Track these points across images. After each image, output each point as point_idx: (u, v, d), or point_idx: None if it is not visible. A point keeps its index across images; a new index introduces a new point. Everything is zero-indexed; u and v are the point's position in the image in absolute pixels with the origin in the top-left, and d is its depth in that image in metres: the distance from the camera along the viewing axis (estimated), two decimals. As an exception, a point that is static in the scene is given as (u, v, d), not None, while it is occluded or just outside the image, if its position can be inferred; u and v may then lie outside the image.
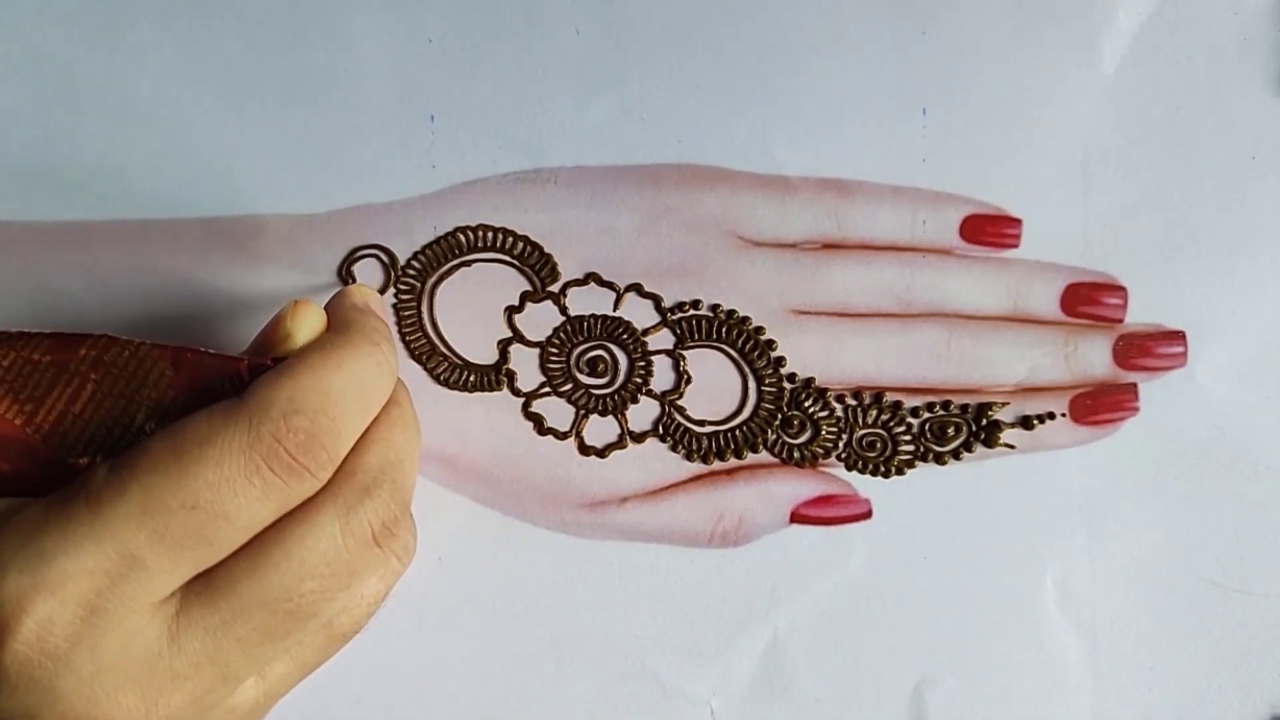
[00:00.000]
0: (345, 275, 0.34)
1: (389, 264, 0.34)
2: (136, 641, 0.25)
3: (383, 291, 0.34)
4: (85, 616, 0.24)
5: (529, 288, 0.34)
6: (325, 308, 0.30)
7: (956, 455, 0.35)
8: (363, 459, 0.27)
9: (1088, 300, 0.34)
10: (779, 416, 0.35)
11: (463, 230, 0.34)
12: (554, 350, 0.35)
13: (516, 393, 0.35)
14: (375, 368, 0.28)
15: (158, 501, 0.25)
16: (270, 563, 0.26)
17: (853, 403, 0.34)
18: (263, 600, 0.26)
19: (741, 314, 0.34)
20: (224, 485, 0.25)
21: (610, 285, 0.34)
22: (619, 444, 0.35)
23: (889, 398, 0.35)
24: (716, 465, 0.35)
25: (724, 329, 0.34)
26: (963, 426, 0.35)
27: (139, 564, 0.24)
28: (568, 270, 0.34)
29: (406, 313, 0.34)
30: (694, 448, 0.35)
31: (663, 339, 0.35)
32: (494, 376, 0.34)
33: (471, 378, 0.34)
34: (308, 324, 0.29)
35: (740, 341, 0.34)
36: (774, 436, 0.35)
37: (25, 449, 0.26)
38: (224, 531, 0.25)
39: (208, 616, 0.25)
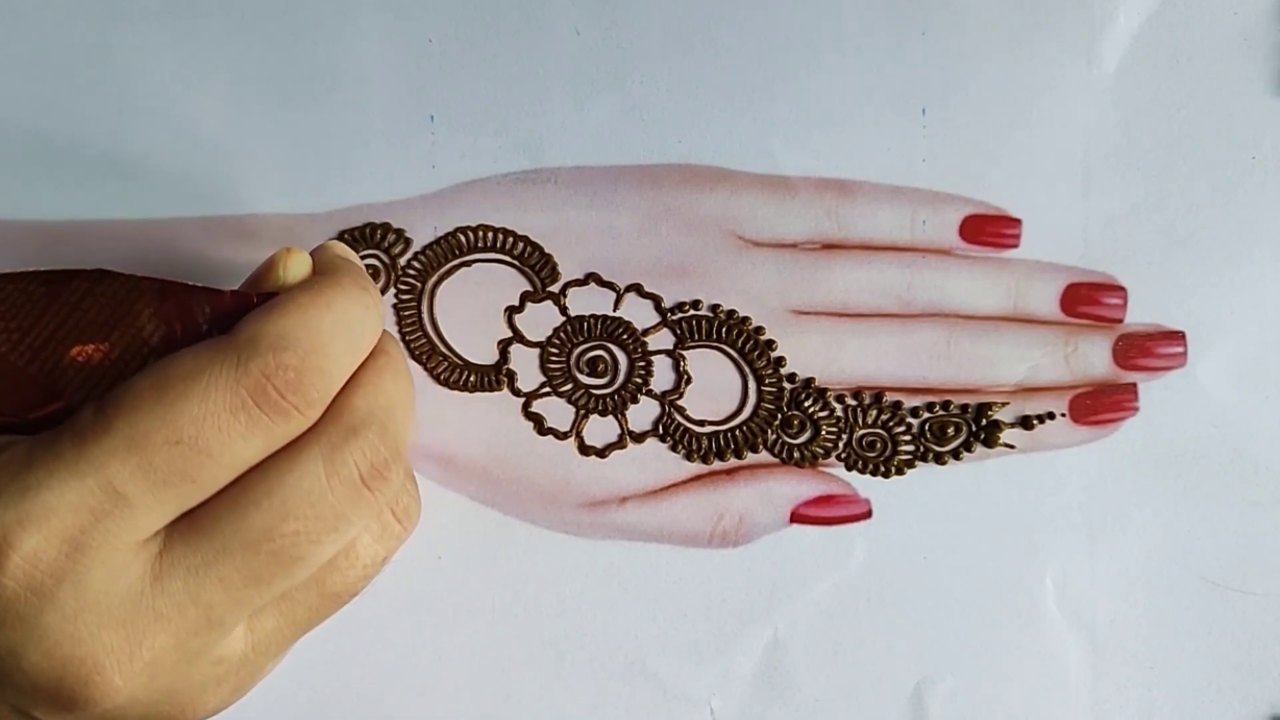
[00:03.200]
0: None
1: (389, 264, 0.34)
2: (120, 579, 0.25)
3: (383, 292, 0.34)
4: (70, 552, 0.24)
5: (529, 288, 0.35)
6: (310, 254, 0.30)
7: (956, 455, 0.35)
8: (350, 400, 0.27)
9: (1088, 300, 0.34)
10: (779, 416, 0.35)
11: (463, 230, 0.34)
12: (554, 350, 0.35)
13: (516, 393, 0.35)
14: (363, 309, 0.28)
15: (142, 436, 0.24)
16: (251, 500, 0.25)
17: (853, 403, 0.35)
18: (244, 539, 0.25)
19: (741, 314, 0.34)
20: (209, 420, 0.25)
21: (610, 285, 0.34)
22: (619, 444, 0.35)
23: (889, 398, 0.35)
24: (716, 465, 0.35)
25: (724, 329, 0.34)
26: (963, 426, 0.35)
27: (123, 500, 0.24)
28: (568, 270, 0.34)
29: (406, 313, 0.34)
30: (694, 448, 0.35)
31: (663, 339, 0.35)
32: (494, 376, 0.34)
33: (471, 378, 0.34)
34: (297, 270, 0.29)
35: (740, 341, 0.34)
36: (774, 436, 0.35)
37: (13, 376, 0.26)
38: (208, 468, 0.25)
39: (190, 555, 0.25)
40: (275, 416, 0.25)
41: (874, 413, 0.35)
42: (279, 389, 0.25)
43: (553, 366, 0.35)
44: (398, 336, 0.34)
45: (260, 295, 0.27)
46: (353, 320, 0.27)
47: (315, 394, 0.26)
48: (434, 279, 0.34)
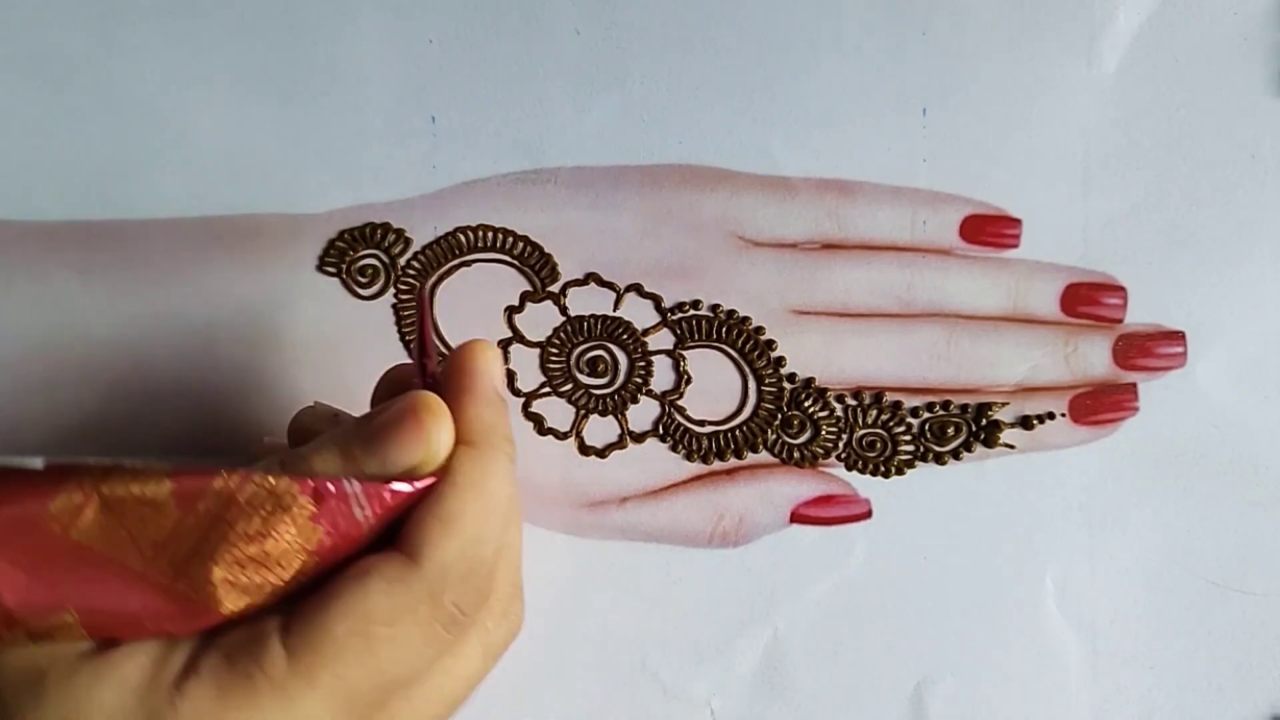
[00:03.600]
0: (322, 266, 0.34)
1: (389, 264, 0.34)
2: None
3: (383, 292, 0.34)
4: None
5: (529, 288, 0.35)
6: (448, 391, 0.27)
7: (956, 455, 0.35)
8: (498, 585, 0.27)
9: (1088, 300, 0.34)
10: (779, 416, 0.35)
11: (463, 230, 0.34)
12: (554, 350, 0.35)
13: (517, 393, 0.35)
14: (513, 486, 0.27)
15: (350, 690, 0.24)
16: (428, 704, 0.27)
17: (853, 403, 0.35)
18: None
19: (741, 314, 0.34)
20: (408, 658, 0.25)
21: (610, 285, 0.34)
22: (619, 444, 0.35)
23: (889, 398, 0.35)
24: (716, 465, 0.35)
25: (724, 329, 0.34)
26: (963, 426, 0.35)
27: None
28: (568, 270, 0.34)
29: (407, 313, 0.34)
30: (694, 448, 0.35)
31: (663, 339, 0.35)
32: (494, 376, 0.34)
33: (471, 378, 0.34)
34: (448, 442, 0.26)
35: (740, 341, 0.34)
36: (774, 436, 0.35)
37: (156, 593, 0.24)
38: (398, 691, 0.25)
39: None
40: (457, 632, 0.26)
41: (874, 413, 0.35)
42: (466, 611, 0.26)
43: (553, 366, 0.35)
44: (397, 336, 0.34)
45: (418, 482, 0.25)
46: (506, 498, 0.27)
47: (486, 599, 0.27)
48: (434, 279, 0.34)
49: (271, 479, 0.24)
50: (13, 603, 0.23)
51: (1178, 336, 0.34)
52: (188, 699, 0.24)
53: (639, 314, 0.35)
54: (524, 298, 0.34)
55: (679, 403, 0.35)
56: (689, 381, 0.35)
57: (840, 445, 0.35)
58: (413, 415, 0.26)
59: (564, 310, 0.35)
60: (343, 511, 0.25)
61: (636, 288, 0.34)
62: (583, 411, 0.35)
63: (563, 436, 0.35)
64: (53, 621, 0.23)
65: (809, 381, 0.35)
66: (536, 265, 0.34)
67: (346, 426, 0.27)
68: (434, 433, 0.26)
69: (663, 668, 0.35)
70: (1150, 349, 0.34)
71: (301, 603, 0.25)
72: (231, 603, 0.24)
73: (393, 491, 0.25)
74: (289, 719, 0.24)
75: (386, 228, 0.34)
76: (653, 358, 0.35)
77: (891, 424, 0.35)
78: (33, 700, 0.24)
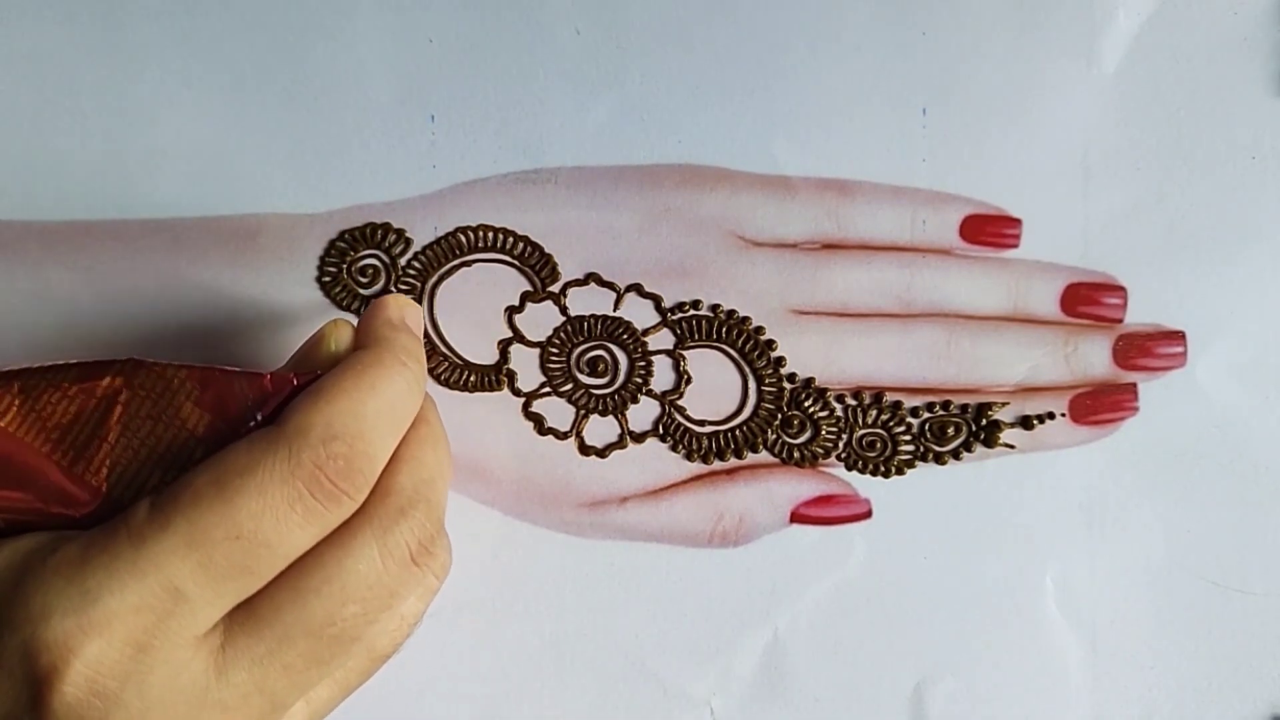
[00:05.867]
0: (323, 265, 0.34)
1: (389, 264, 0.34)
2: (183, 676, 0.25)
3: (383, 292, 0.34)
4: (133, 654, 0.24)
5: (529, 288, 0.35)
6: (360, 320, 0.30)
7: (956, 455, 0.35)
8: (396, 479, 0.27)
9: (1088, 300, 0.34)
10: (779, 416, 0.35)
11: (463, 230, 0.34)
12: (554, 350, 0.35)
13: (517, 393, 0.35)
14: (406, 387, 0.28)
15: (202, 534, 0.25)
16: (312, 589, 0.26)
17: (853, 403, 0.35)
18: (307, 627, 0.26)
19: (741, 314, 0.34)
20: (267, 514, 0.25)
21: (610, 285, 0.34)
22: (619, 444, 0.35)
23: (889, 398, 0.35)
24: (716, 465, 0.35)
25: (724, 329, 0.34)
26: (963, 426, 0.35)
27: (183, 598, 0.24)
28: (568, 270, 0.34)
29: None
30: (694, 448, 0.35)
31: (663, 339, 0.35)
32: (494, 376, 0.34)
33: (472, 378, 0.34)
34: (343, 341, 0.29)
35: (740, 341, 0.34)
36: (774, 436, 0.35)
37: (55, 476, 0.26)
38: (266, 560, 0.25)
39: (253, 646, 0.25)
40: (329, 504, 0.26)
41: (874, 413, 0.35)
42: (331, 478, 0.26)
43: (553, 366, 0.35)
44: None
45: (299, 375, 0.28)
46: (396, 400, 0.28)
47: (363, 479, 0.26)
48: (434, 279, 0.34)
49: (160, 365, 0.27)
50: None
51: (1178, 336, 0.34)
52: (57, 555, 0.25)
53: (639, 314, 0.35)
54: (524, 298, 0.34)
55: (679, 403, 0.35)
56: (689, 381, 0.35)
57: (840, 445, 0.35)
58: (320, 329, 0.29)
59: (564, 310, 0.35)
60: (228, 395, 0.27)
61: (636, 288, 0.34)
62: (583, 411, 0.35)
63: (563, 436, 0.35)
64: None
65: (809, 381, 0.35)
66: (536, 265, 0.34)
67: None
68: (331, 335, 0.29)
69: (663, 668, 0.35)
70: (1150, 349, 0.34)
71: None
72: (118, 485, 0.26)
73: (273, 375, 0.27)
74: (141, 561, 0.24)
75: (386, 228, 0.34)
76: (653, 358, 0.35)
77: (891, 424, 0.35)
78: None
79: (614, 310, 0.35)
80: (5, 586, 0.25)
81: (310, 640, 0.26)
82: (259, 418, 0.27)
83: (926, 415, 0.35)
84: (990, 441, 0.34)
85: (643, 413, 0.35)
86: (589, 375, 0.35)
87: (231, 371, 0.27)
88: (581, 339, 0.35)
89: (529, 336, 0.35)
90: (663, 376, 0.35)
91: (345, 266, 0.34)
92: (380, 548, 0.27)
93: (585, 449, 0.35)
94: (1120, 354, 0.35)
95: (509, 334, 0.35)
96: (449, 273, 0.34)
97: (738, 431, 0.35)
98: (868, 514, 0.35)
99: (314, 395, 0.27)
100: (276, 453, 0.25)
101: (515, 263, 0.34)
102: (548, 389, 0.35)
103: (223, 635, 0.25)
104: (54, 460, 0.26)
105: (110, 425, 0.26)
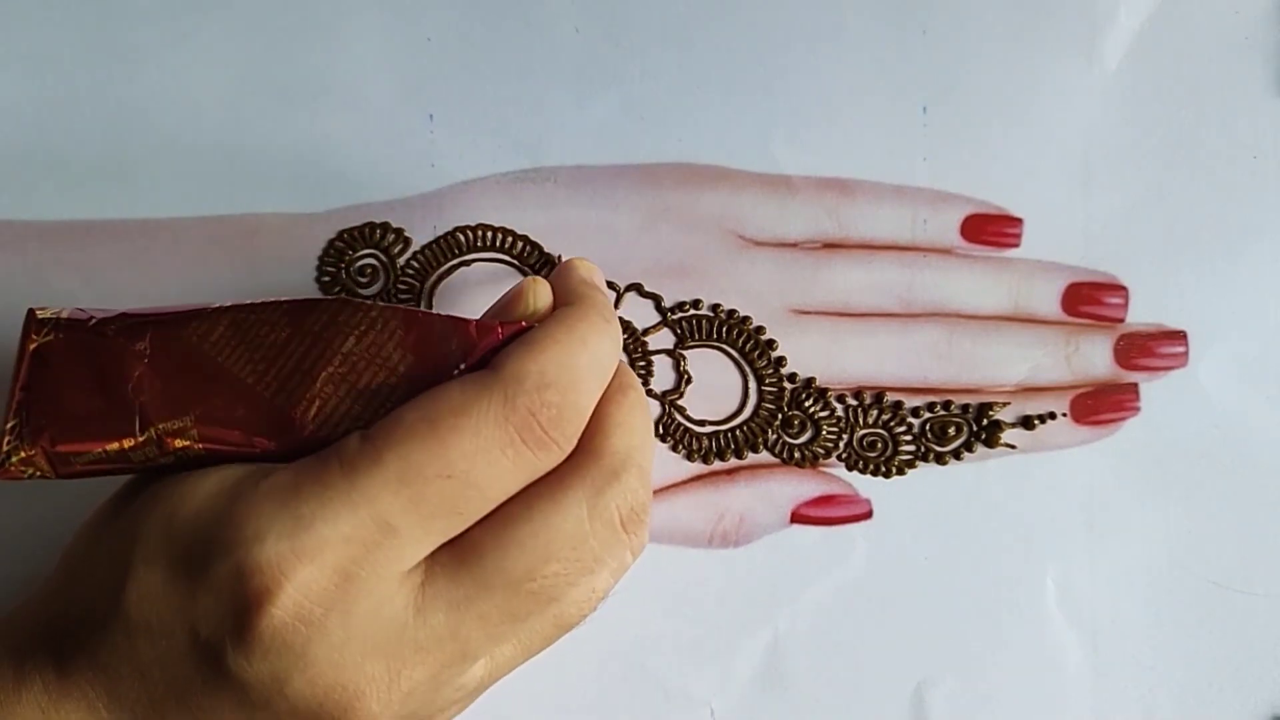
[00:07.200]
0: (322, 265, 0.34)
1: (388, 263, 0.34)
2: (385, 610, 0.25)
3: (383, 292, 0.34)
4: (340, 583, 0.24)
5: (529, 287, 0.34)
6: (551, 279, 0.30)
7: (957, 455, 0.35)
8: (609, 441, 0.27)
9: (1089, 300, 0.34)
10: (779, 416, 0.35)
11: (462, 230, 0.34)
12: (554, 350, 0.35)
13: (516, 392, 0.34)
14: (611, 343, 0.28)
15: (415, 470, 0.25)
16: (516, 540, 0.26)
17: (853, 403, 0.34)
18: (507, 577, 0.26)
19: (742, 314, 0.34)
20: (479, 455, 0.25)
21: (610, 285, 0.34)
22: (619, 444, 0.35)
23: (889, 398, 0.34)
24: (717, 465, 0.35)
25: (724, 329, 0.34)
26: (963, 426, 0.35)
27: (393, 531, 0.24)
28: (568, 270, 0.34)
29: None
30: (694, 448, 0.35)
31: (663, 339, 0.35)
32: (494, 376, 0.34)
33: (471, 377, 0.34)
34: (544, 300, 0.29)
35: (740, 341, 0.34)
36: (774, 436, 0.35)
37: (261, 407, 0.26)
38: (474, 501, 0.25)
39: (452, 590, 0.25)
40: (539, 451, 0.26)
41: (874, 413, 0.34)
42: (544, 424, 0.26)
43: (553, 366, 0.34)
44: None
45: (505, 325, 0.27)
46: (603, 356, 0.27)
47: (573, 429, 0.26)
48: (433, 279, 0.34)
49: (367, 304, 0.27)
50: (150, 405, 0.26)
51: (1179, 336, 0.34)
52: (269, 480, 0.25)
53: (639, 313, 0.35)
54: (524, 297, 0.34)
55: (679, 402, 0.35)
56: (689, 381, 0.35)
57: (841, 445, 0.35)
58: (518, 285, 0.29)
59: (564, 310, 0.34)
60: (430, 337, 0.27)
61: (636, 287, 0.34)
62: (582, 411, 0.35)
63: (563, 436, 0.35)
64: (174, 425, 0.26)
65: (809, 381, 0.35)
66: (536, 264, 0.34)
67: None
68: (531, 290, 0.29)
69: (663, 668, 0.35)
70: (1152, 349, 0.34)
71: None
72: (321, 419, 0.26)
73: (478, 324, 0.27)
74: (354, 493, 0.24)
75: (386, 227, 0.34)
76: (653, 357, 0.35)
77: (892, 424, 0.34)
78: (136, 497, 0.27)
79: (614, 310, 0.35)
80: (217, 511, 0.25)
81: (508, 592, 0.26)
82: (462, 366, 0.27)
83: (927, 415, 0.35)
84: (991, 441, 0.34)
85: (643, 412, 0.35)
86: (589, 375, 0.35)
87: (435, 315, 0.27)
88: (581, 339, 0.35)
89: (529, 336, 0.35)
90: (663, 376, 0.35)
91: (344, 266, 0.34)
92: (590, 508, 0.26)
93: (585, 449, 0.35)
94: (1121, 354, 0.34)
95: (509, 334, 0.34)
96: (448, 272, 0.34)
97: (738, 431, 0.35)
98: (868, 514, 0.35)
99: (528, 344, 0.26)
100: (492, 396, 0.25)
101: (515, 262, 0.34)
102: (547, 389, 0.35)
103: (424, 574, 0.25)
104: (260, 393, 0.26)
105: (317, 362, 0.27)
